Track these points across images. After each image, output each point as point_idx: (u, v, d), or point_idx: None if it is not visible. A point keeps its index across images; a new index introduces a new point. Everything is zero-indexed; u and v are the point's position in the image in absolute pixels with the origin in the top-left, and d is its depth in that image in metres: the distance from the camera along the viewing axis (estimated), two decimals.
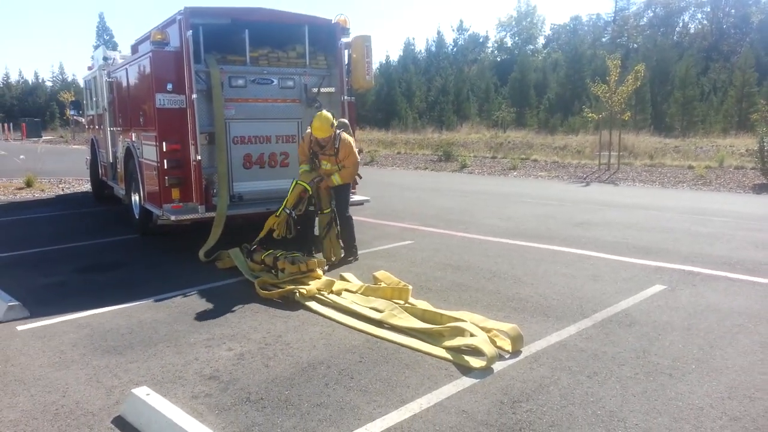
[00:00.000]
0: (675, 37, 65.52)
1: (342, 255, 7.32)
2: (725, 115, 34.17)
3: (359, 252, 7.47)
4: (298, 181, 7.07)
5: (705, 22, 73.73)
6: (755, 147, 16.78)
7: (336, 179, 7.16)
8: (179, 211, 7.46)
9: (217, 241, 7.29)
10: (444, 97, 45.16)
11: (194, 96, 7.23)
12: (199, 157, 7.30)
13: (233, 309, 5.49)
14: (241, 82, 7.80)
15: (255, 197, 7.94)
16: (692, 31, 73.22)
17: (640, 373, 4.02)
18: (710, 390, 3.77)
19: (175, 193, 7.48)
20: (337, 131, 7.08)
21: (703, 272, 6.58)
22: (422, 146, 30.30)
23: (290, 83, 8.13)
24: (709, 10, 73.23)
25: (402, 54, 64.70)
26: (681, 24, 75.03)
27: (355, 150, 7.24)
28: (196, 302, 5.76)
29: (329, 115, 6.98)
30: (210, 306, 5.62)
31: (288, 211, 7.01)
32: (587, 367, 4.12)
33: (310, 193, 7.11)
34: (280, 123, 8.10)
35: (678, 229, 9.25)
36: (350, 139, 7.24)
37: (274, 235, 7.06)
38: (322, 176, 7.17)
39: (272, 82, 8.02)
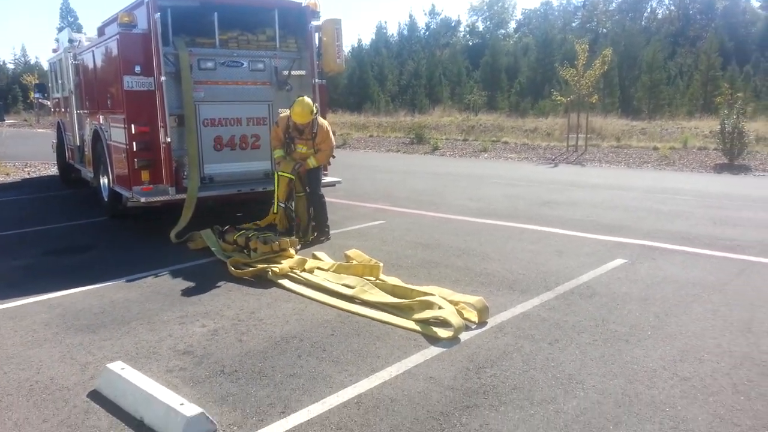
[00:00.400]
0: (643, 23, 66.42)
1: (315, 235, 7.42)
2: (691, 98, 34.96)
3: (331, 231, 7.57)
4: (281, 173, 7.20)
5: (672, 7, 74.86)
6: (718, 129, 17.28)
7: (312, 162, 7.25)
8: (149, 193, 7.44)
9: (189, 223, 7.31)
10: (416, 81, 45.22)
11: (163, 78, 7.19)
12: (168, 139, 7.28)
13: (206, 288, 5.56)
14: (210, 64, 7.77)
15: (226, 179, 7.96)
16: (660, 16, 74.28)
17: (598, 339, 4.23)
18: (664, 354, 4.00)
19: (145, 176, 7.46)
20: (317, 120, 7.18)
21: (662, 247, 6.85)
22: (395, 129, 30.35)
23: (260, 66, 8.13)
24: None
25: (374, 38, 64.31)
26: (649, 9, 76.04)
27: (332, 135, 7.35)
28: (169, 282, 5.80)
29: (310, 101, 7.05)
30: (182, 285, 5.67)
31: (283, 205, 7.24)
32: (549, 335, 4.31)
33: (294, 180, 7.25)
34: (251, 105, 8.11)
35: (641, 207, 9.57)
36: (327, 123, 7.36)
37: (279, 228, 7.29)
38: (301, 162, 7.23)
39: (242, 64, 8.01)
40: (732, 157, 16.26)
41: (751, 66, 42.69)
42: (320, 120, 7.25)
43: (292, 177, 7.22)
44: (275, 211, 7.30)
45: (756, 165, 16.07)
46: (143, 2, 7.33)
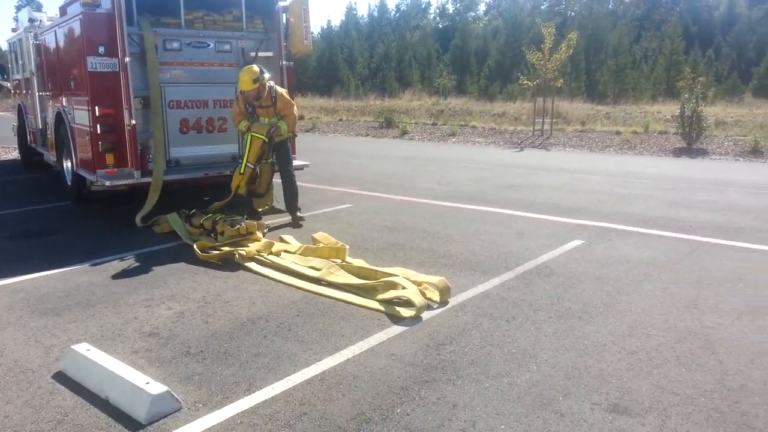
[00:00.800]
0: (610, 6, 67.15)
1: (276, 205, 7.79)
2: (654, 82, 35.74)
3: (299, 214, 7.64)
4: (255, 134, 7.16)
5: None
6: (678, 113, 17.75)
7: (283, 128, 7.32)
8: (114, 177, 7.38)
9: (154, 207, 7.29)
10: (386, 64, 45.13)
11: (127, 59, 7.10)
12: (133, 122, 7.21)
13: (172, 271, 5.59)
14: (176, 45, 7.69)
15: (192, 162, 7.93)
16: (627, 0, 75.10)
17: (553, 316, 4.43)
18: (613, 329, 4.21)
19: (110, 159, 7.39)
20: (270, 83, 7.24)
21: (619, 228, 7.11)
22: (364, 113, 30.31)
23: (227, 47, 8.08)
24: None
25: (344, 19, 63.75)
26: None
27: (293, 102, 7.48)
28: (134, 265, 5.82)
29: (255, 68, 7.08)
30: (148, 269, 5.68)
31: (252, 167, 7.20)
32: (506, 313, 4.50)
33: (267, 142, 7.27)
34: (218, 87, 8.06)
35: (601, 190, 9.86)
36: (287, 93, 7.49)
37: (240, 191, 7.28)
38: (275, 126, 7.27)
39: (208, 45, 7.95)
40: (690, 141, 16.76)
41: (713, 50, 43.76)
42: (278, 88, 7.36)
43: (266, 139, 7.21)
44: (242, 172, 7.21)
45: (713, 149, 16.60)
46: None
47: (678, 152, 16.31)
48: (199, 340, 4.08)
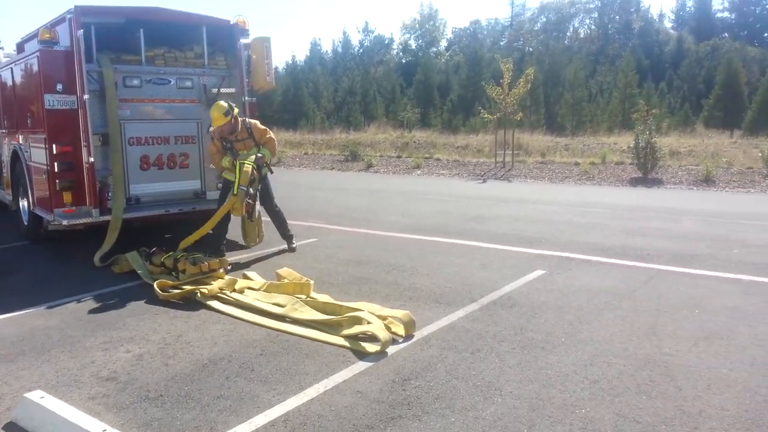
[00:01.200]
0: (566, 42, 69.79)
1: (262, 237, 7.87)
2: (610, 114, 36.91)
3: (264, 250, 7.61)
4: (245, 162, 7.08)
5: (593, 27, 79.05)
6: (633, 144, 18.38)
7: (267, 154, 7.42)
8: (72, 216, 7.23)
9: (113, 246, 7.14)
10: (351, 98, 45.59)
11: (86, 96, 7.04)
12: (92, 159, 7.11)
13: (131, 312, 5.46)
14: (136, 82, 7.67)
15: (153, 199, 7.83)
16: (582, 35, 78.26)
17: (516, 347, 4.47)
18: (576, 359, 4.27)
19: (67, 197, 7.24)
20: (245, 120, 7.40)
21: (578, 257, 7.27)
22: (330, 146, 30.46)
23: (188, 83, 8.09)
24: (596, 16, 78.55)
25: (308, 54, 64.52)
26: (571, 29, 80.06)
27: (269, 132, 7.59)
28: (92, 307, 5.66)
29: (223, 103, 7.12)
30: (107, 310, 5.54)
31: (244, 188, 7.00)
32: (471, 345, 4.52)
33: (256, 171, 7.20)
34: (179, 123, 8.04)
35: (560, 220, 10.08)
36: (262, 127, 7.55)
37: (234, 214, 7.17)
38: (262, 158, 7.32)
39: (169, 82, 7.95)
40: (646, 171, 17.34)
41: (666, 83, 45.64)
42: (250, 120, 7.53)
43: (254, 166, 7.16)
44: (235, 192, 7.02)
45: (668, 178, 17.20)
46: (65, 18, 7.18)
47: (634, 182, 16.84)
48: (159, 384, 3.97)
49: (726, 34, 68.50)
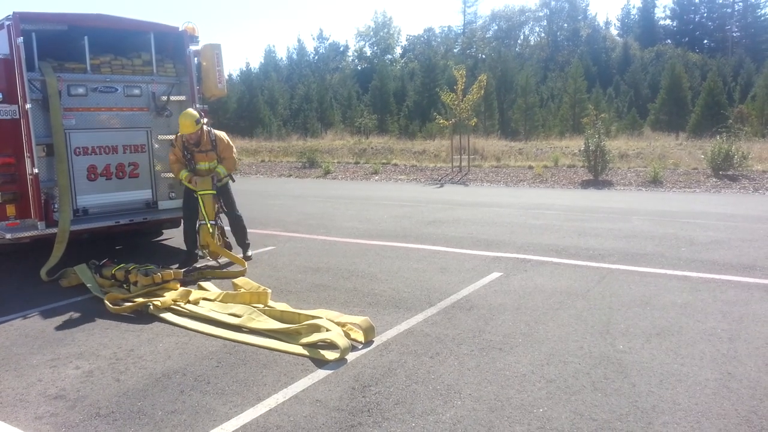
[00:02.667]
0: (517, 49, 71.35)
1: (229, 253, 7.45)
2: (561, 119, 37.85)
3: (219, 260, 7.44)
4: (203, 193, 7.23)
5: (543, 35, 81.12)
6: (583, 148, 18.89)
7: (222, 171, 7.42)
8: (16, 229, 6.94)
9: (61, 259, 6.88)
10: (308, 105, 45.40)
11: (28, 106, 6.76)
12: (36, 170, 6.84)
13: (80, 327, 5.26)
14: (81, 90, 7.43)
15: (102, 210, 7.59)
16: (532, 43, 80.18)
17: (475, 349, 4.50)
18: (533, 359, 4.32)
19: (10, 210, 6.95)
20: (207, 127, 7.35)
21: (533, 259, 7.39)
22: (287, 153, 30.24)
23: (136, 91, 7.88)
24: (545, 24, 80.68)
25: (263, 61, 64.03)
26: (522, 37, 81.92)
27: (232, 147, 7.58)
28: (39, 323, 5.43)
29: (194, 111, 7.19)
30: (54, 326, 5.32)
31: (213, 223, 7.28)
32: (430, 349, 4.52)
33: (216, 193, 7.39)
34: (128, 132, 7.82)
35: (515, 222, 10.25)
36: (225, 140, 7.52)
37: (211, 249, 7.25)
38: (216, 175, 7.36)
39: (116, 90, 7.72)
40: (596, 173, 17.83)
41: (613, 88, 47.13)
42: (216, 131, 7.47)
43: (215, 192, 7.33)
44: (211, 232, 7.21)
45: (617, 180, 17.73)
46: (3, 25, 6.89)
47: (585, 184, 17.29)
48: (110, 400, 3.83)
49: (669, 41, 71.44)
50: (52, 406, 3.77)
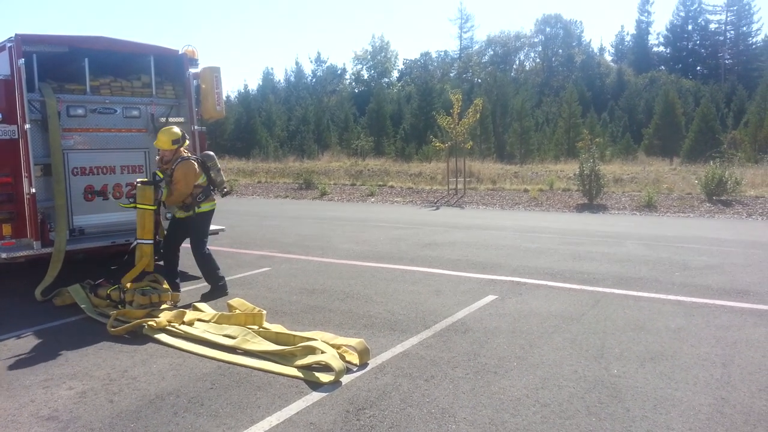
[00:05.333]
0: (513, 74, 72.17)
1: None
2: (556, 143, 38.21)
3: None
4: (140, 206, 6.57)
5: (538, 60, 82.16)
6: (578, 172, 19.03)
7: (165, 192, 6.80)
8: (11, 248, 6.94)
9: (56, 279, 6.86)
10: (305, 127, 45.73)
11: (27, 126, 6.81)
12: (33, 190, 6.86)
13: (74, 347, 5.23)
14: (80, 111, 7.49)
15: (98, 230, 7.60)
16: (527, 68, 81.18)
17: (470, 373, 4.50)
18: (527, 383, 4.32)
19: (7, 229, 6.95)
20: (184, 155, 6.81)
21: (528, 282, 7.42)
22: (283, 175, 30.34)
23: (135, 113, 7.95)
24: (540, 49, 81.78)
25: (261, 83, 64.60)
26: (517, 62, 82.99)
27: (190, 180, 6.70)
28: (32, 343, 5.40)
29: (176, 130, 6.79)
30: (48, 346, 5.30)
31: (146, 242, 6.59)
32: (425, 372, 4.52)
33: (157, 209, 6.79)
34: (126, 153, 7.87)
35: (510, 245, 10.29)
36: (191, 169, 6.72)
37: (148, 270, 6.64)
38: (161, 188, 6.80)
39: (115, 111, 7.79)
40: (591, 197, 17.95)
41: (608, 113, 47.67)
42: (187, 163, 6.69)
43: (154, 207, 6.64)
44: (145, 252, 6.57)
45: (612, 204, 17.84)
46: (5, 47, 6.97)
47: (580, 208, 17.38)
48: (103, 422, 3.80)
49: (663, 67, 72.49)
50: (45, 428, 3.74)
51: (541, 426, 3.66)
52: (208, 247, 7.15)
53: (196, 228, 7.05)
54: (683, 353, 4.87)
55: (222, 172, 7.34)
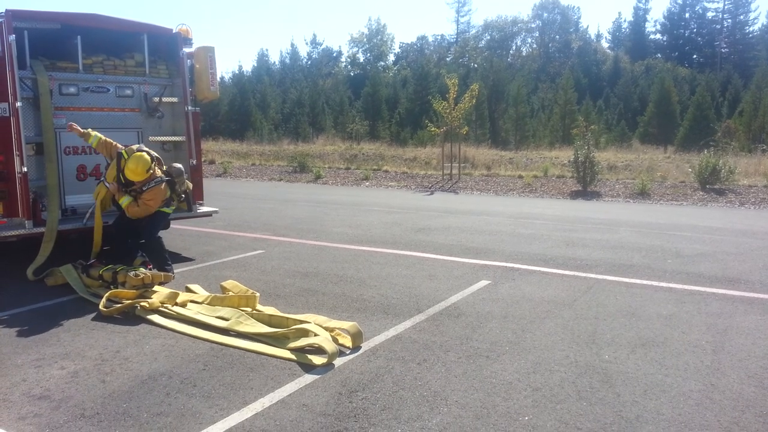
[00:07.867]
0: (509, 59, 71.85)
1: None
2: (552, 130, 38.17)
3: (208, 263, 7.42)
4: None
5: (534, 46, 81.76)
6: (572, 159, 19.06)
7: (124, 203, 6.65)
8: (3, 227, 6.88)
9: (48, 258, 6.83)
10: (299, 109, 45.45)
11: (19, 104, 6.73)
12: (25, 169, 6.79)
13: (66, 327, 5.22)
14: (73, 89, 7.40)
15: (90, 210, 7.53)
16: (524, 53, 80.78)
17: (462, 357, 4.52)
18: (519, 367, 4.35)
19: None
20: (157, 178, 6.63)
21: (521, 268, 7.44)
22: (278, 158, 30.20)
23: (128, 92, 7.87)
24: (537, 35, 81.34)
25: (256, 65, 64.02)
26: (514, 47, 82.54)
27: (158, 201, 6.71)
28: (24, 323, 5.37)
29: (145, 156, 6.48)
30: (40, 325, 5.27)
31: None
32: (418, 356, 4.54)
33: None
34: (118, 132, 7.76)
35: (504, 231, 10.31)
36: (160, 193, 6.68)
37: (95, 249, 6.77)
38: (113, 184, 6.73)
39: (108, 90, 7.71)
40: (585, 184, 17.98)
41: (603, 101, 47.61)
42: (157, 189, 6.61)
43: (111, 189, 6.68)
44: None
45: (606, 191, 17.88)
46: None
47: (574, 195, 17.42)
48: (95, 401, 3.80)
49: (659, 55, 72.34)
50: (36, 407, 3.74)
51: (532, 410, 3.68)
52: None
53: (154, 220, 6.94)
54: (674, 340, 4.91)
55: (187, 181, 7.37)
